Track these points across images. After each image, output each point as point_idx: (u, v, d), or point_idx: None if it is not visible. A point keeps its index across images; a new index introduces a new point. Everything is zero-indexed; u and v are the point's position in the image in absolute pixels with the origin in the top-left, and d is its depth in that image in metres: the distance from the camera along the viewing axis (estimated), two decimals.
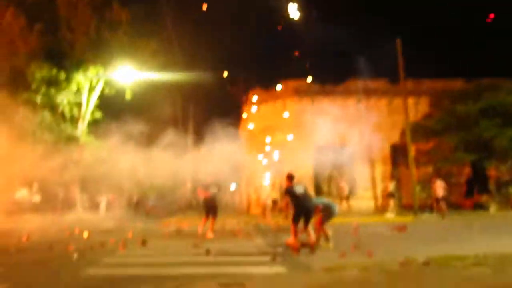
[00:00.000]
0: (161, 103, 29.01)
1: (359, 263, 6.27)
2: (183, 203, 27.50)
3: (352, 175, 23.22)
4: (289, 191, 9.36)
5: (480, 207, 20.73)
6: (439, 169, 20.39)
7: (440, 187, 17.46)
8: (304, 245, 8.84)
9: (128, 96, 28.35)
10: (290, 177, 9.58)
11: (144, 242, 10.22)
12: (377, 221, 16.96)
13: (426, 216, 17.88)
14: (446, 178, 19.12)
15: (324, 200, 10.39)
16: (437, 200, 17.43)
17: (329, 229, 12.27)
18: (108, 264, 7.60)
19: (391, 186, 20.90)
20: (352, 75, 24.98)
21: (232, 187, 41.22)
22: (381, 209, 20.80)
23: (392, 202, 20.00)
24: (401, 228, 12.19)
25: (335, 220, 16.12)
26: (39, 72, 24.79)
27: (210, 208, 12.33)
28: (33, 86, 24.94)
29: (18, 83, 24.82)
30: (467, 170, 21.94)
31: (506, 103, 18.93)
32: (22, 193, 43.66)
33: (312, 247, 8.67)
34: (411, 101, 23.15)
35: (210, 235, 11.64)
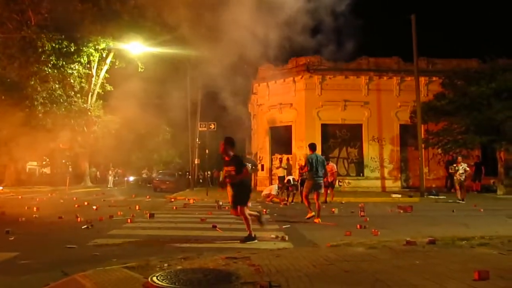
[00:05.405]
0: (171, 77, 28.90)
1: (365, 241, 6.30)
2: (191, 179, 27.70)
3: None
4: (308, 160, 9.83)
5: (487, 189, 20.66)
6: (460, 151, 19.97)
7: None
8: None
9: (139, 69, 28.17)
10: (311, 147, 10.12)
11: (151, 215, 10.36)
12: (383, 201, 16.99)
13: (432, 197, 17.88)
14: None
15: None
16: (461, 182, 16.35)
17: (335, 207, 12.44)
18: (116, 235, 7.71)
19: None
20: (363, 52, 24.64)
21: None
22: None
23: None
24: (407, 208, 12.22)
25: (342, 199, 16.27)
26: (49, 43, 24.66)
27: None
28: (43, 57, 24.83)
29: (28, 54, 24.74)
30: (476, 152, 21.76)
31: None
32: (32, 165, 44.32)
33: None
34: (423, 80, 22.83)
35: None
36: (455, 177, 16.58)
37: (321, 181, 9.94)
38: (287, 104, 24.31)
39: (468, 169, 16.51)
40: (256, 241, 6.88)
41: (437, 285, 3.76)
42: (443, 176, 22.51)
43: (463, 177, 16.10)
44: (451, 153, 20.77)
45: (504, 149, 19.74)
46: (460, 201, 15.39)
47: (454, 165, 16.83)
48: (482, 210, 12.58)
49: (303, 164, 11.19)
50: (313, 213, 9.80)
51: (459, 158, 16.97)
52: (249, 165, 7.03)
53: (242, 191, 7.22)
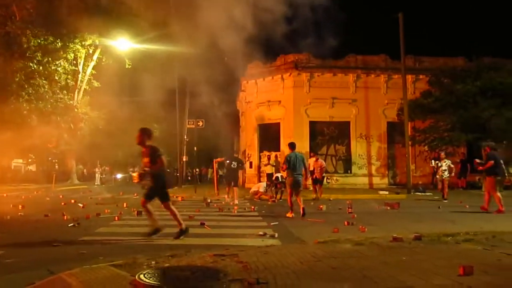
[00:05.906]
0: (158, 74, 28.71)
1: (352, 237, 6.33)
2: (179, 176, 27.54)
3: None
4: (286, 158, 10.34)
5: (472, 186, 20.92)
6: (446, 148, 19.82)
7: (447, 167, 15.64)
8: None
9: (127, 65, 27.89)
10: (290, 146, 10.58)
11: (139, 213, 10.27)
12: (371, 197, 17.12)
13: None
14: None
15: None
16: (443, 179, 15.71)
17: (323, 204, 12.55)
18: (103, 233, 7.65)
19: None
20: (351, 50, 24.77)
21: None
22: None
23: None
24: (394, 205, 12.33)
25: (330, 196, 16.35)
26: (35, 39, 24.27)
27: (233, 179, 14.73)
28: (28, 53, 24.44)
29: (13, 50, 24.33)
30: (462, 150, 22.02)
31: (506, 84, 18.79)
32: (17, 163, 43.70)
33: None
34: (410, 78, 23.01)
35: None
36: (437, 174, 16.09)
37: (300, 178, 10.31)
38: (276, 101, 24.34)
39: (452, 166, 16.18)
40: (187, 232, 6.86)
41: (423, 281, 3.80)
42: (430, 173, 22.72)
43: (446, 174, 15.54)
44: (437, 150, 20.98)
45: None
46: (444, 200, 15.12)
47: (437, 161, 16.40)
48: (467, 206, 12.76)
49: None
50: (293, 215, 9.94)
51: (442, 154, 16.35)
52: (163, 156, 6.74)
53: (157, 184, 7.00)
